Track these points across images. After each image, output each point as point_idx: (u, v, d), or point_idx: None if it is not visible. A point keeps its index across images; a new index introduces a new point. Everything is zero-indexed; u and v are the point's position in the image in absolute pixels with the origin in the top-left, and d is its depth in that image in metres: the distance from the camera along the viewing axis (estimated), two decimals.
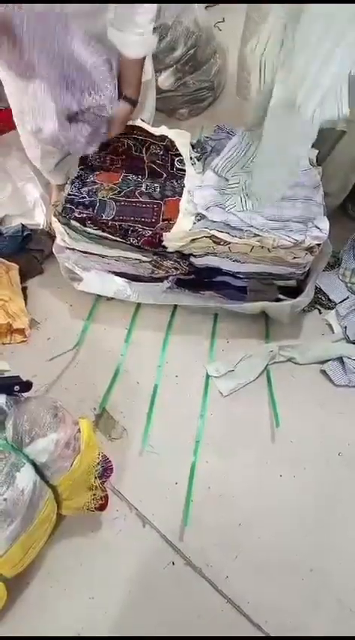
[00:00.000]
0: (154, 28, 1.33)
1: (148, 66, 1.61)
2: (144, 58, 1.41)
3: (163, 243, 1.51)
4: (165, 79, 2.24)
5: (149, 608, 1.28)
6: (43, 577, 1.31)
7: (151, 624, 1.26)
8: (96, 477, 1.25)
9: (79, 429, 1.20)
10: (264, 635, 1.23)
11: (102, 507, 1.30)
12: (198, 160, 1.68)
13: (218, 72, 2.38)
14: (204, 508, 1.40)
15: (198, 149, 1.69)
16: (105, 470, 1.29)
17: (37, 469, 1.14)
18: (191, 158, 1.66)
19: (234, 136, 1.56)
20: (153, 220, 1.56)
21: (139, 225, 1.54)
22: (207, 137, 1.72)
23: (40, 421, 1.14)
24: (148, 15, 1.29)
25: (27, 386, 1.30)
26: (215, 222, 1.48)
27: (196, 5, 2.23)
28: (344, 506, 1.40)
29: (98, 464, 1.25)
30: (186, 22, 2.18)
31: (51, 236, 1.81)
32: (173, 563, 1.33)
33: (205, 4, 2.43)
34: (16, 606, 1.27)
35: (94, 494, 1.26)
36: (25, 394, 1.30)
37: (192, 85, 2.31)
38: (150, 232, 1.52)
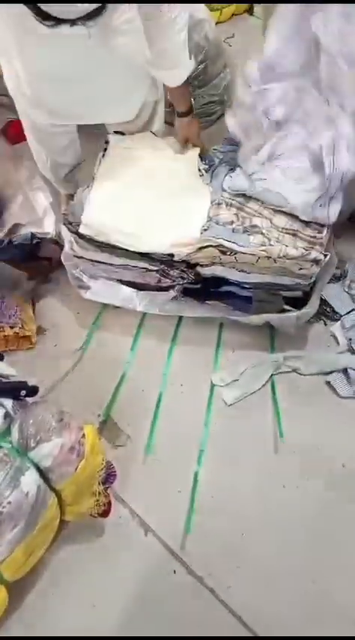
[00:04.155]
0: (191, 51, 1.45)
1: (158, 82, 1.64)
2: (186, 81, 1.50)
3: (170, 250, 1.53)
4: None
5: (150, 617, 1.27)
6: (44, 583, 1.31)
7: (151, 633, 1.25)
8: (99, 483, 1.26)
9: (84, 435, 1.21)
10: None
11: (105, 513, 1.31)
12: (206, 172, 1.70)
13: (227, 86, 2.41)
14: (206, 517, 1.39)
15: (207, 161, 1.71)
16: (109, 476, 1.29)
17: (42, 473, 1.15)
18: (199, 170, 1.69)
19: None
20: None
21: None
22: (216, 149, 1.74)
23: (46, 426, 1.15)
24: (177, 47, 1.42)
25: (33, 391, 1.31)
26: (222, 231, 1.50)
27: (207, 21, 2.27)
28: (346, 518, 1.40)
29: (102, 470, 1.26)
30: (197, 38, 2.22)
31: (60, 244, 1.84)
32: (175, 572, 1.33)
33: (215, 21, 2.47)
34: (17, 611, 1.27)
35: (98, 500, 1.27)
36: (31, 399, 1.32)
37: (202, 98, 2.34)
38: None
